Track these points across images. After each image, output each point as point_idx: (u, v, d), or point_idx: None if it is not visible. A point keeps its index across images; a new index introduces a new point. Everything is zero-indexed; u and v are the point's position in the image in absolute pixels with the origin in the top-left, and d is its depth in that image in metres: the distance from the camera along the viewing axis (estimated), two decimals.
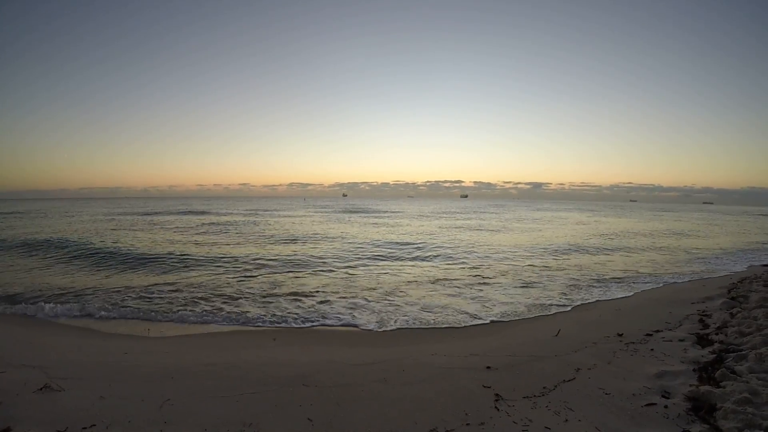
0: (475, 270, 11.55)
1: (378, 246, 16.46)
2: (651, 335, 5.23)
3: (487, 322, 6.80)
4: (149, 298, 8.19)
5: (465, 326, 6.55)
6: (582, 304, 7.93)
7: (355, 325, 6.62)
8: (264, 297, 8.35)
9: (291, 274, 10.71)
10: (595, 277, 10.63)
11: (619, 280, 10.26)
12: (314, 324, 6.71)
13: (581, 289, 9.26)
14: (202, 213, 40.38)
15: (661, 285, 9.64)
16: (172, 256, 12.95)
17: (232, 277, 10.21)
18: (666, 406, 3.26)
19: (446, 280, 10.19)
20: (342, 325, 6.66)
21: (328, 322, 6.80)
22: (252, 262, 12.42)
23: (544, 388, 3.72)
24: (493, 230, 25.37)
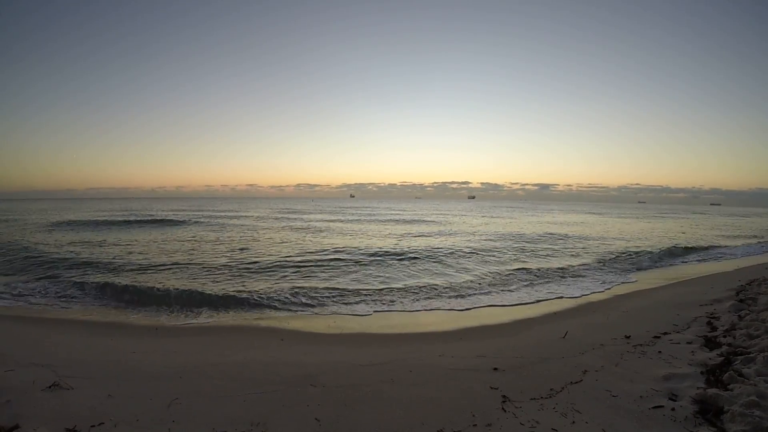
0: None
1: None
2: (659, 337, 5.19)
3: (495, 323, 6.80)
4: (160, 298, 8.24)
5: (472, 325, 6.56)
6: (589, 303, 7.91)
7: None
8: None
9: None
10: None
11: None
12: None
13: None
14: (173, 224, 26.94)
15: (669, 286, 9.59)
16: None
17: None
18: (673, 409, 3.24)
19: None
20: None
21: None
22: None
23: (551, 389, 3.71)
24: None
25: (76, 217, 29.52)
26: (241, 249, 15.37)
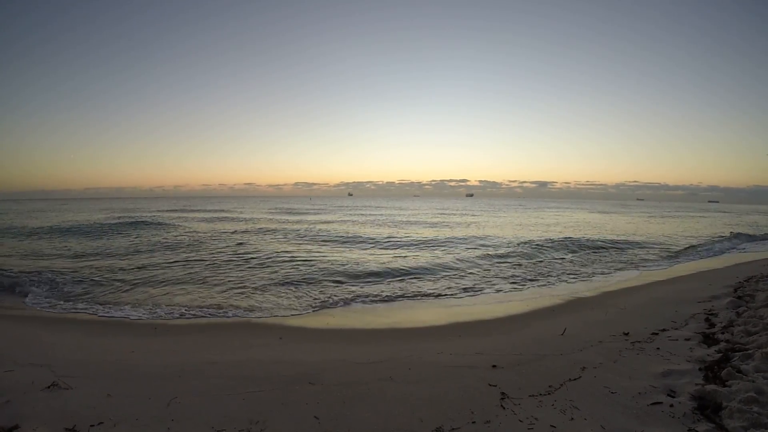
0: None
1: None
2: (657, 334, 5.21)
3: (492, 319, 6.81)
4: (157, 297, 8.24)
5: (470, 322, 6.57)
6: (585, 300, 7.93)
7: None
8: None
9: None
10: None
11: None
12: None
13: None
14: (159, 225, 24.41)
15: (667, 283, 9.62)
16: None
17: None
18: (672, 405, 3.25)
19: None
20: None
21: None
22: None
23: (549, 386, 3.72)
24: None
25: (74, 220, 29.46)
26: (238, 244, 15.54)
